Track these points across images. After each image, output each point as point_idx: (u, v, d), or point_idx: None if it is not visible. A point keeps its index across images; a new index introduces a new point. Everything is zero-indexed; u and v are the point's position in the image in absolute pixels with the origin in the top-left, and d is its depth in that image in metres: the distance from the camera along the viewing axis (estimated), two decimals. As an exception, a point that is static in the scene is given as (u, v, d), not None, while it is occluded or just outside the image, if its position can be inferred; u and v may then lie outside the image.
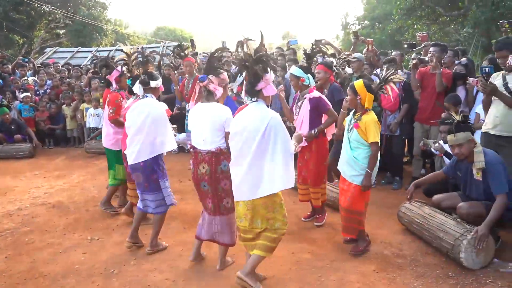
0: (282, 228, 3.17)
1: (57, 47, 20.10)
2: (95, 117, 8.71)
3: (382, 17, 27.94)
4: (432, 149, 4.91)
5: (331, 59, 7.32)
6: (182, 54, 6.87)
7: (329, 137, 4.70)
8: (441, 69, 5.32)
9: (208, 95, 3.50)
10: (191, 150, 3.52)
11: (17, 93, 9.39)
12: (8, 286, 3.48)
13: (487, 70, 3.98)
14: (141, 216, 4.07)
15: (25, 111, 9.11)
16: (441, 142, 4.81)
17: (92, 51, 16.09)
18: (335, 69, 6.25)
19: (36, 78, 10.26)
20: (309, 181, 4.56)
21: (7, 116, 8.48)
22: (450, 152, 4.49)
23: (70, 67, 11.46)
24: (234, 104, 4.61)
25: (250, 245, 3.23)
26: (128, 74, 4.66)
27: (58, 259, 3.93)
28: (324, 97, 4.54)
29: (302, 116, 4.46)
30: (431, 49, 5.49)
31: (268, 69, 3.09)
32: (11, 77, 9.94)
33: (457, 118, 3.80)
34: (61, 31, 29.33)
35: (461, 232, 3.59)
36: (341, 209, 3.98)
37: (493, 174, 3.65)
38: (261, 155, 3.00)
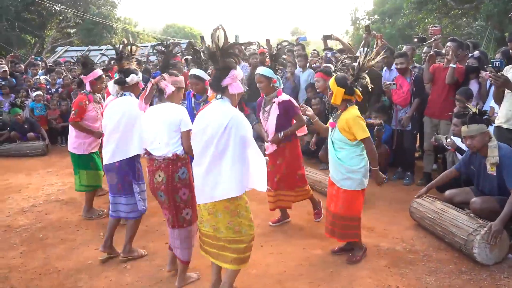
0: (249, 233, 2.92)
1: (68, 46, 20.30)
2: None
3: (392, 11, 27.72)
4: (444, 144, 4.87)
5: (338, 54, 7.30)
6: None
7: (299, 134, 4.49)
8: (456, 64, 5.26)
9: (160, 95, 3.25)
10: (145, 156, 3.31)
11: (29, 92, 9.50)
12: (24, 281, 3.53)
13: (497, 64, 3.92)
14: (114, 224, 3.86)
15: (37, 110, 9.21)
16: (452, 137, 4.76)
17: (102, 49, 16.22)
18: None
19: (47, 77, 10.37)
20: (282, 186, 4.32)
21: (19, 116, 8.59)
22: (462, 147, 4.45)
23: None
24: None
25: (213, 253, 3.00)
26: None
27: (71, 255, 3.98)
28: (293, 100, 4.29)
29: (270, 121, 4.22)
30: (448, 43, 5.43)
31: (237, 66, 2.87)
32: (24, 76, 10.07)
33: (474, 110, 3.76)
34: (72, 30, 29.61)
35: (474, 227, 3.55)
36: (331, 215, 3.68)
37: (507, 168, 3.61)
38: (220, 155, 2.77)
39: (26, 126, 8.68)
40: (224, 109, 2.81)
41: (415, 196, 4.42)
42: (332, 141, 3.62)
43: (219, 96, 2.88)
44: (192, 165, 2.99)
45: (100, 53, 15.77)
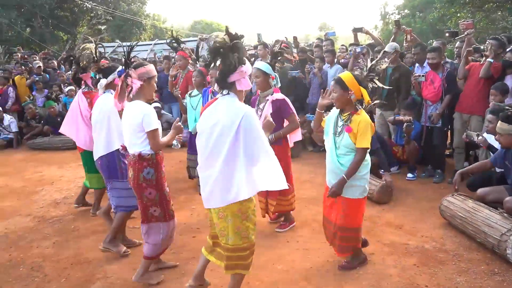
0: (253, 239, 2.81)
1: (99, 42, 20.75)
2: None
3: (423, 6, 27.06)
4: (475, 142, 4.73)
5: (366, 49, 7.18)
6: (176, 46, 6.64)
7: (291, 144, 4.23)
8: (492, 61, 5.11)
9: (130, 92, 3.16)
10: (122, 151, 3.36)
11: (62, 87, 9.78)
12: (56, 270, 3.65)
13: None
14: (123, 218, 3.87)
15: (70, 104, 9.46)
16: (485, 134, 4.62)
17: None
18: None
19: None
20: (267, 193, 4.09)
21: (53, 109, 8.85)
22: (494, 145, 4.32)
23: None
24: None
25: (210, 248, 2.99)
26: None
27: (101, 246, 4.08)
28: (288, 100, 4.04)
29: (262, 119, 3.92)
30: (490, 41, 5.27)
31: (246, 60, 2.74)
32: (57, 71, 10.36)
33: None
34: (103, 27, 30.24)
35: (508, 227, 3.44)
36: (333, 225, 3.41)
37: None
38: (234, 154, 2.60)
39: (59, 120, 8.94)
40: (236, 106, 2.66)
41: (455, 187, 4.16)
42: (335, 146, 3.29)
43: (225, 92, 2.73)
44: (198, 169, 2.83)
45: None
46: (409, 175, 5.83)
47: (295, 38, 9.77)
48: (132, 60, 3.29)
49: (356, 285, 3.23)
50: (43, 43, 24.85)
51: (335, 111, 3.40)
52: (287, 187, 2.72)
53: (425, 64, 5.93)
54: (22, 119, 9.38)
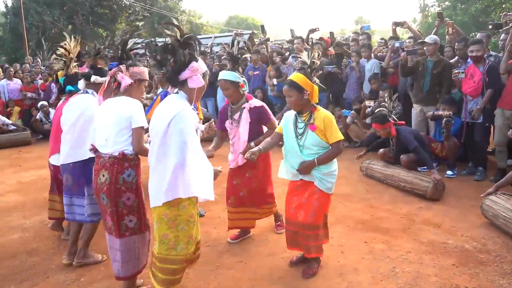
0: (185, 253, 2.61)
1: (137, 39, 21.25)
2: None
3: (465, -3, 26.02)
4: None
5: (407, 41, 7.01)
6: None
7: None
8: None
9: (118, 89, 2.94)
10: (92, 153, 3.00)
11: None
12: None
13: None
14: (78, 229, 3.62)
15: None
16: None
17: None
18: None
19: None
20: (248, 202, 3.83)
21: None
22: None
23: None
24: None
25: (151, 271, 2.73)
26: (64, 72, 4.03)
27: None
28: (265, 105, 3.80)
29: (242, 129, 3.70)
30: None
31: (198, 57, 2.61)
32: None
33: None
34: (140, 23, 30.96)
35: (555, 228, 3.28)
36: (294, 225, 3.28)
37: None
38: (164, 154, 2.50)
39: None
40: (174, 104, 2.54)
41: (482, 195, 4.17)
42: (300, 147, 3.17)
43: (175, 90, 2.64)
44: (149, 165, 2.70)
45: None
46: (449, 172, 5.66)
47: (331, 34, 9.66)
48: (129, 56, 3.07)
49: (392, 283, 3.16)
50: (84, 40, 25.73)
51: (289, 115, 3.31)
52: (213, 199, 2.59)
53: (469, 59, 5.71)
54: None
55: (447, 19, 7.10)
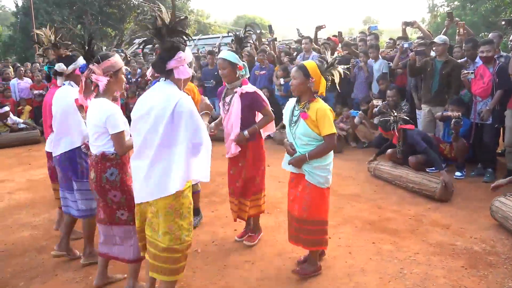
0: (187, 240, 2.56)
1: (146, 38, 21.35)
2: None
3: (475, -3, 25.81)
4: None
5: (415, 43, 6.97)
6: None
7: (264, 136, 3.87)
8: None
9: (97, 88, 2.85)
10: (84, 150, 3.09)
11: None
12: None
13: None
14: (71, 221, 3.65)
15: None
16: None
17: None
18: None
19: (128, 68, 10.97)
20: (237, 193, 3.75)
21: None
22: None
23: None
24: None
25: (151, 265, 2.63)
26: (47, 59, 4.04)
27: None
28: (259, 91, 3.69)
29: (233, 114, 3.60)
30: None
31: (186, 47, 2.52)
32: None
33: None
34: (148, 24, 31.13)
35: None
36: (295, 220, 3.22)
37: None
38: (169, 143, 2.40)
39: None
40: (170, 91, 2.45)
41: (492, 186, 4.12)
42: (293, 136, 3.17)
43: (163, 79, 2.54)
44: (131, 159, 2.59)
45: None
46: (457, 173, 5.62)
47: (339, 33, 9.63)
48: (93, 52, 2.97)
49: (400, 284, 3.15)
50: (93, 39, 25.88)
51: (291, 102, 3.30)
52: (207, 180, 2.54)
53: (477, 59, 5.67)
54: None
55: (457, 19, 7.03)
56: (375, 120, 6.85)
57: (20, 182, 6.24)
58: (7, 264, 3.66)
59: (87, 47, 2.99)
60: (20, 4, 27.76)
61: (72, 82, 3.54)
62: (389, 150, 5.75)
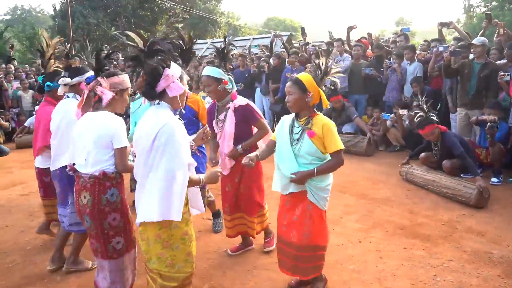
0: (185, 271, 2.45)
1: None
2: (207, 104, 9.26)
3: (514, -3, 24.94)
4: None
5: (452, 47, 6.78)
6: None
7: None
8: None
9: (98, 102, 2.71)
10: (70, 173, 2.73)
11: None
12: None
13: None
14: (65, 236, 3.57)
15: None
16: None
17: (207, 42, 17.11)
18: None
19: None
20: (243, 208, 3.65)
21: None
22: None
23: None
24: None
25: (151, 277, 2.53)
26: (42, 70, 3.90)
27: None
28: (252, 104, 3.57)
29: (228, 131, 3.48)
30: None
31: (170, 62, 2.39)
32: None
33: None
34: (180, 25, 31.65)
35: None
36: (294, 247, 2.92)
37: None
38: (150, 169, 2.31)
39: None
40: (158, 116, 2.35)
41: None
42: (295, 155, 2.88)
43: (156, 102, 2.44)
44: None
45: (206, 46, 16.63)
46: (494, 179, 5.44)
47: (369, 34, 9.51)
48: (105, 66, 2.83)
49: (433, 291, 3.08)
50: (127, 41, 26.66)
51: (287, 118, 3.05)
52: (179, 220, 2.32)
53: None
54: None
55: (495, 20, 6.79)
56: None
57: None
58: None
59: (96, 58, 2.83)
60: (57, 7, 28.83)
61: (77, 96, 3.43)
62: (422, 154, 5.63)
